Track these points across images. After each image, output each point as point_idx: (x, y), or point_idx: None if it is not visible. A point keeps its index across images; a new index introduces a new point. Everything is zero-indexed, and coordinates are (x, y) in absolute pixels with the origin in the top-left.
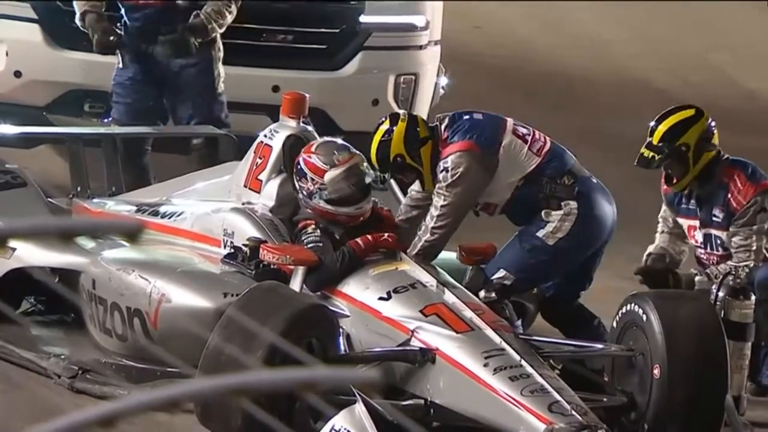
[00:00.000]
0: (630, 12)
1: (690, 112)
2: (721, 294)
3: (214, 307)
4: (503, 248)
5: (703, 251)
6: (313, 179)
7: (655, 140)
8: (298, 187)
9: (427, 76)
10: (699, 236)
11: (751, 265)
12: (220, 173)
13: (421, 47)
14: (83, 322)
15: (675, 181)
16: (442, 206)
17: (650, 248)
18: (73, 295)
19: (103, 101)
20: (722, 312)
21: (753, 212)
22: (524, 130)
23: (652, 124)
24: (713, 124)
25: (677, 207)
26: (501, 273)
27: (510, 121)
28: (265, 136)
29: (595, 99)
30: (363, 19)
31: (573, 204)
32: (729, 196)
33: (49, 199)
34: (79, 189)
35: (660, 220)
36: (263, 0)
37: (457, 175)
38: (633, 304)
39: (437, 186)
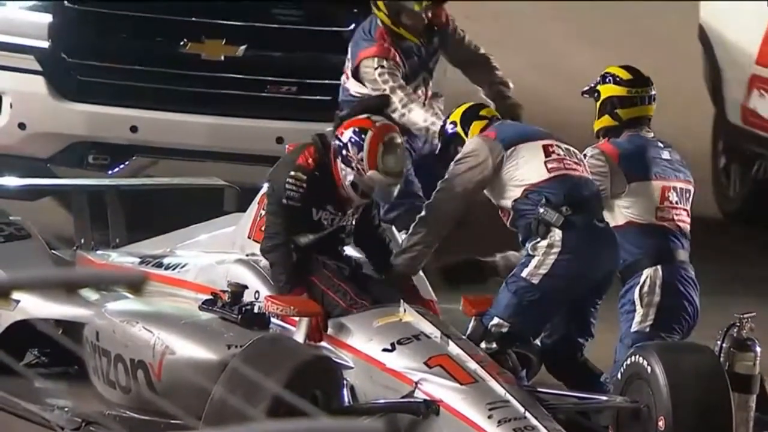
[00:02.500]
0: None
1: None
2: (725, 345)
3: (217, 359)
4: (497, 295)
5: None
6: (360, 160)
7: None
8: (341, 135)
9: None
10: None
11: None
12: (223, 225)
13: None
14: (87, 374)
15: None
16: (442, 180)
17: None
18: (76, 347)
19: (107, 153)
20: (727, 364)
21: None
22: (558, 150)
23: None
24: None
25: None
26: (495, 321)
27: (551, 141)
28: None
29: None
30: None
31: (558, 235)
32: None
33: (53, 251)
34: (83, 241)
35: None
36: (269, 53)
37: (464, 154)
38: (637, 356)
39: None
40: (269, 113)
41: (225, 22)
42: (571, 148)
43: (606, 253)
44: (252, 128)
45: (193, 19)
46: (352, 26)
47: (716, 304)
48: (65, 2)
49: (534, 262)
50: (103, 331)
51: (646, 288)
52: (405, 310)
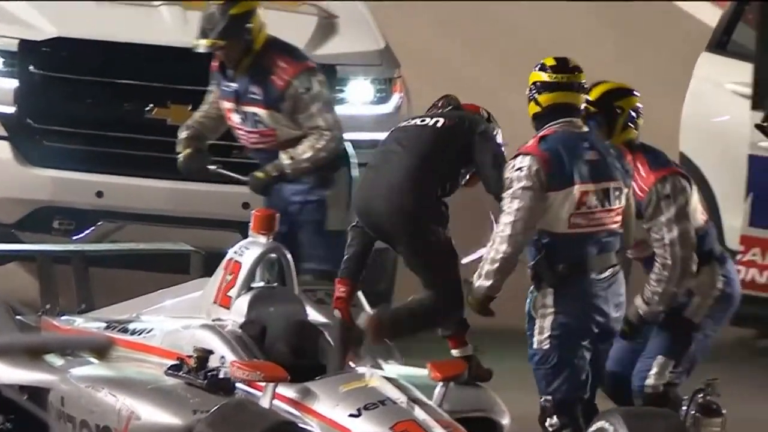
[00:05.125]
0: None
1: (627, 85)
2: (692, 411)
3: (183, 425)
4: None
5: None
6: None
7: (592, 96)
8: None
9: None
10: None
11: (660, 290)
12: (189, 290)
13: None
14: None
15: None
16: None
17: None
18: (42, 413)
19: (72, 218)
20: (693, 429)
21: (655, 202)
22: (591, 200)
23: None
24: (641, 111)
25: None
26: (542, 399)
27: (590, 187)
28: (235, 252)
29: None
30: None
31: (550, 295)
32: (633, 183)
33: (18, 317)
34: (48, 306)
35: None
36: None
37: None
38: (604, 421)
39: None
40: (236, 179)
41: (191, 87)
42: (612, 187)
43: (604, 303)
44: (218, 193)
45: (159, 84)
46: None
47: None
48: (31, 68)
49: (536, 329)
50: (68, 397)
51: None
52: (371, 375)
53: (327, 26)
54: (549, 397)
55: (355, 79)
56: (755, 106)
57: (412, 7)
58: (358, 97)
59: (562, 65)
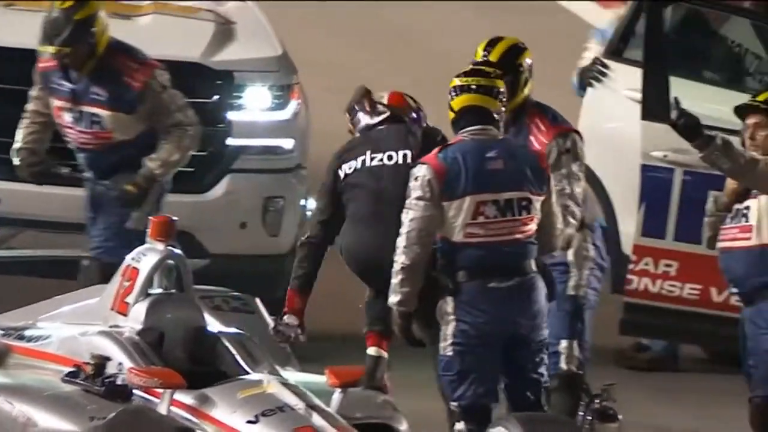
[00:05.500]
0: None
1: (518, 40)
2: (588, 417)
3: (80, 431)
4: None
5: None
6: None
7: (493, 57)
8: None
9: (295, 199)
10: None
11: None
12: (87, 296)
13: (288, 170)
14: None
15: None
16: None
17: None
18: None
19: None
20: None
21: (556, 155)
22: (490, 210)
23: (482, 50)
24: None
25: None
26: (451, 405)
27: (487, 196)
28: (133, 258)
29: None
30: (230, 141)
31: (450, 302)
32: (531, 138)
33: None
34: None
35: None
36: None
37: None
38: (501, 427)
39: None
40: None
41: None
42: (516, 197)
43: (507, 311)
44: None
45: None
46: (216, 97)
47: None
48: None
49: (441, 336)
50: None
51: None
52: (269, 382)
53: (224, 32)
54: (453, 404)
55: (252, 85)
56: (644, 116)
57: (305, 12)
58: (256, 104)
59: (476, 70)
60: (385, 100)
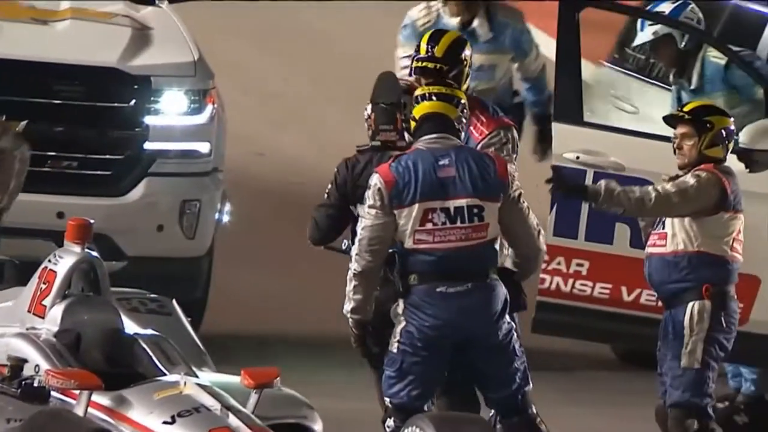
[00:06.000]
0: None
1: (458, 33)
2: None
3: None
4: None
5: None
6: None
7: (439, 53)
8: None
9: (211, 202)
10: None
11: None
12: (3, 299)
13: (205, 173)
14: None
15: None
16: None
17: None
18: None
19: None
20: None
21: (498, 146)
22: (439, 217)
23: (425, 44)
24: None
25: None
26: (386, 401)
27: (436, 203)
28: (50, 261)
29: None
30: (148, 145)
31: (401, 304)
32: (471, 128)
33: None
34: None
35: None
36: (51, 128)
37: None
38: (414, 426)
39: None
40: (50, 188)
41: (5, 98)
42: (467, 204)
43: (456, 315)
44: (33, 203)
45: None
46: (133, 102)
47: None
48: None
49: (392, 333)
50: None
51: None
52: (185, 383)
53: (141, 37)
54: (388, 400)
55: (169, 89)
56: (556, 118)
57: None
58: (173, 108)
59: (436, 80)
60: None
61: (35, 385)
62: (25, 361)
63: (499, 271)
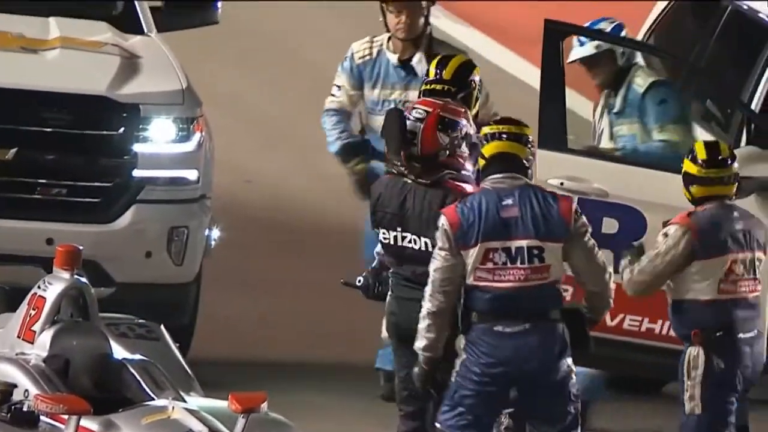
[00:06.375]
0: None
1: (466, 56)
2: None
3: None
4: None
5: None
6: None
7: (447, 75)
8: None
9: (199, 229)
10: None
11: None
12: None
13: (193, 200)
14: None
15: None
16: None
17: None
18: None
19: None
20: None
21: None
22: (500, 257)
23: (434, 68)
24: None
25: None
26: (436, 424)
27: (497, 244)
28: (39, 287)
29: None
30: (136, 173)
31: (462, 340)
32: None
33: None
34: None
35: None
36: (40, 156)
37: None
38: None
39: None
40: (39, 215)
41: None
42: (527, 245)
43: (512, 355)
44: (22, 229)
45: None
46: (122, 130)
47: None
48: None
49: (455, 361)
50: None
51: None
52: (173, 408)
53: (130, 66)
54: (438, 425)
55: (158, 117)
56: (540, 145)
57: (208, 44)
58: (161, 136)
59: (505, 118)
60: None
61: (25, 409)
62: (14, 386)
63: (570, 313)
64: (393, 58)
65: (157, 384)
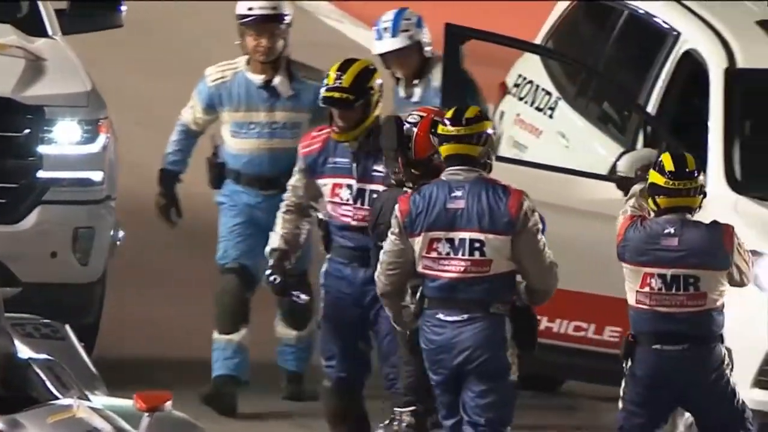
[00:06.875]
0: None
1: (369, 62)
2: None
3: None
4: None
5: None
6: None
7: (346, 83)
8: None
9: (104, 229)
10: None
11: None
12: None
13: (98, 201)
14: None
15: (343, 130)
16: None
17: None
18: None
19: None
20: None
21: None
22: (443, 247)
23: (334, 73)
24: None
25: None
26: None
27: (440, 234)
28: None
29: None
30: (41, 174)
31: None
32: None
33: None
34: None
35: None
36: None
37: None
38: None
39: None
40: None
41: None
42: (469, 237)
43: (454, 344)
44: None
45: None
46: (27, 132)
47: None
48: None
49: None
50: None
51: None
52: (78, 407)
53: (35, 68)
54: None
55: (62, 119)
56: None
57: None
58: (66, 137)
59: (457, 119)
60: None
61: None
62: None
63: (520, 312)
64: (257, 80)
65: (62, 383)
